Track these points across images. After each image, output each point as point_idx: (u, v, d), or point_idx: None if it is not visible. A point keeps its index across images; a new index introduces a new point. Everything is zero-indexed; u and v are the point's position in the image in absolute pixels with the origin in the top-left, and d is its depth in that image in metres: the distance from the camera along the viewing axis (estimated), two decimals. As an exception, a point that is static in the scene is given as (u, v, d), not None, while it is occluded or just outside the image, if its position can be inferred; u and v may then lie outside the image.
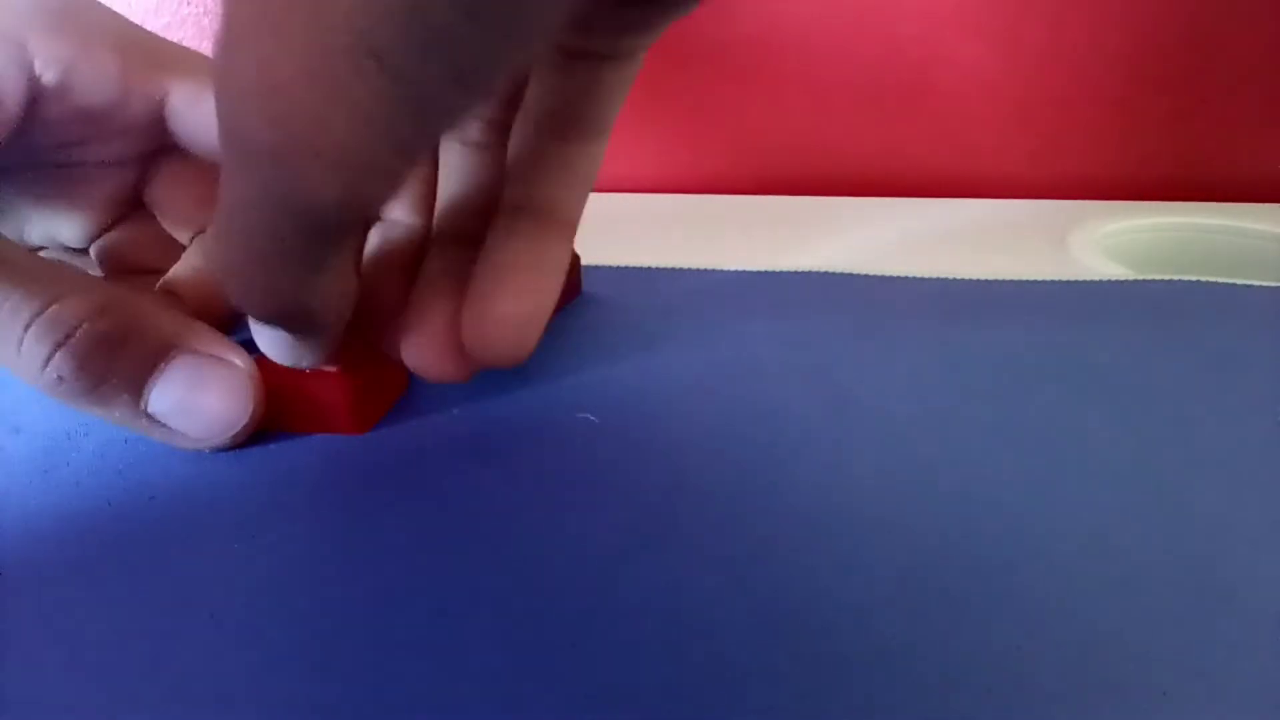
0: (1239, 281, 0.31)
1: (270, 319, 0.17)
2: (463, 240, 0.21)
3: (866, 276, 0.33)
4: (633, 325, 0.28)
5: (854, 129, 0.48)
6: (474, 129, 0.21)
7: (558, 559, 0.18)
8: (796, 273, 0.33)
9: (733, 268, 0.34)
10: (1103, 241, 0.38)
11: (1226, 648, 0.15)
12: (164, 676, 0.15)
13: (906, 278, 0.32)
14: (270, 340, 0.19)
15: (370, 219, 0.16)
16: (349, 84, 0.11)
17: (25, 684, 0.15)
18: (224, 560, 0.18)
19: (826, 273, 0.33)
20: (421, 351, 0.20)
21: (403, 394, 0.24)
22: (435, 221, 0.22)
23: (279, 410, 0.22)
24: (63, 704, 0.15)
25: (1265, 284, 0.31)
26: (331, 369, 0.22)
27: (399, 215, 0.22)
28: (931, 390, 0.24)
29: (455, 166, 0.21)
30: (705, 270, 0.34)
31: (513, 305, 0.19)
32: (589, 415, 0.23)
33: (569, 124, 0.19)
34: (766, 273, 0.33)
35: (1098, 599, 0.16)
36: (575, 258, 0.31)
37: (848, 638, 0.16)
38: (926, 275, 0.33)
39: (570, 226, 0.20)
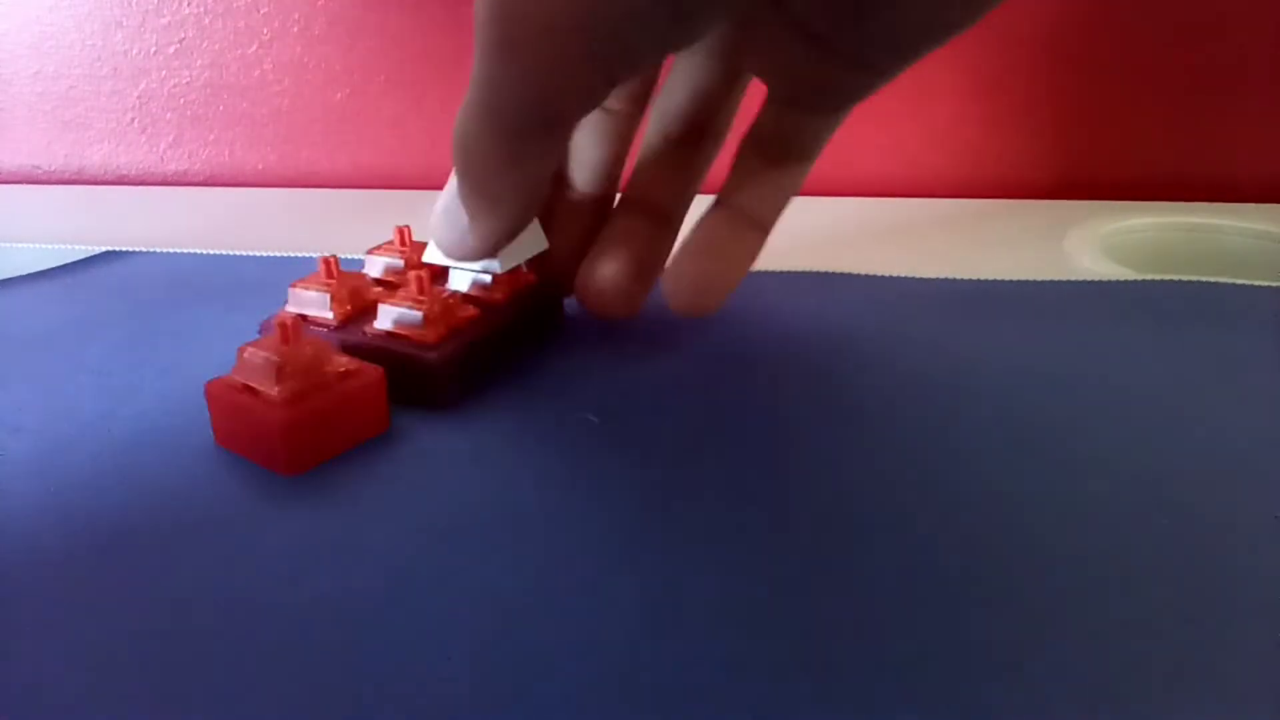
0: (1239, 281, 0.31)
1: (471, 190, 0.22)
2: (647, 209, 0.26)
3: (866, 276, 0.33)
4: (633, 325, 0.28)
5: (854, 129, 0.48)
6: (676, 128, 0.26)
7: (558, 558, 0.18)
8: (796, 273, 0.33)
9: (733, 268, 0.34)
10: (1103, 241, 0.38)
11: (1226, 648, 0.15)
12: (164, 676, 0.15)
13: (906, 278, 0.32)
14: (447, 225, 0.23)
15: (568, 122, 0.21)
16: (589, 30, 0.17)
17: (25, 683, 0.15)
18: (225, 560, 0.18)
19: (826, 273, 0.33)
20: (598, 288, 0.25)
21: (377, 435, 0.22)
22: (624, 189, 0.27)
23: (232, 434, 0.22)
24: (63, 704, 0.15)
25: (1265, 284, 0.31)
26: (274, 396, 0.20)
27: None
28: (931, 390, 0.24)
29: (650, 152, 0.26)
30: (705, 270, 0.34)
31: (710, 267, 0.24)
32: (589, 415, 0.23)
33: (788, 152, 0.24)
34: (766, 273, 0.33)
35: (1098, 598, 0.16)
36: (558, 293, 0.28)
37: (847, 637, 0.16)
38: (926, 275, 0.33)
39: (766, 228, 0.25)
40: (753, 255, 0.25)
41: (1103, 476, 0.20)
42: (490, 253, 0.23)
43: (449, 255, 0.24)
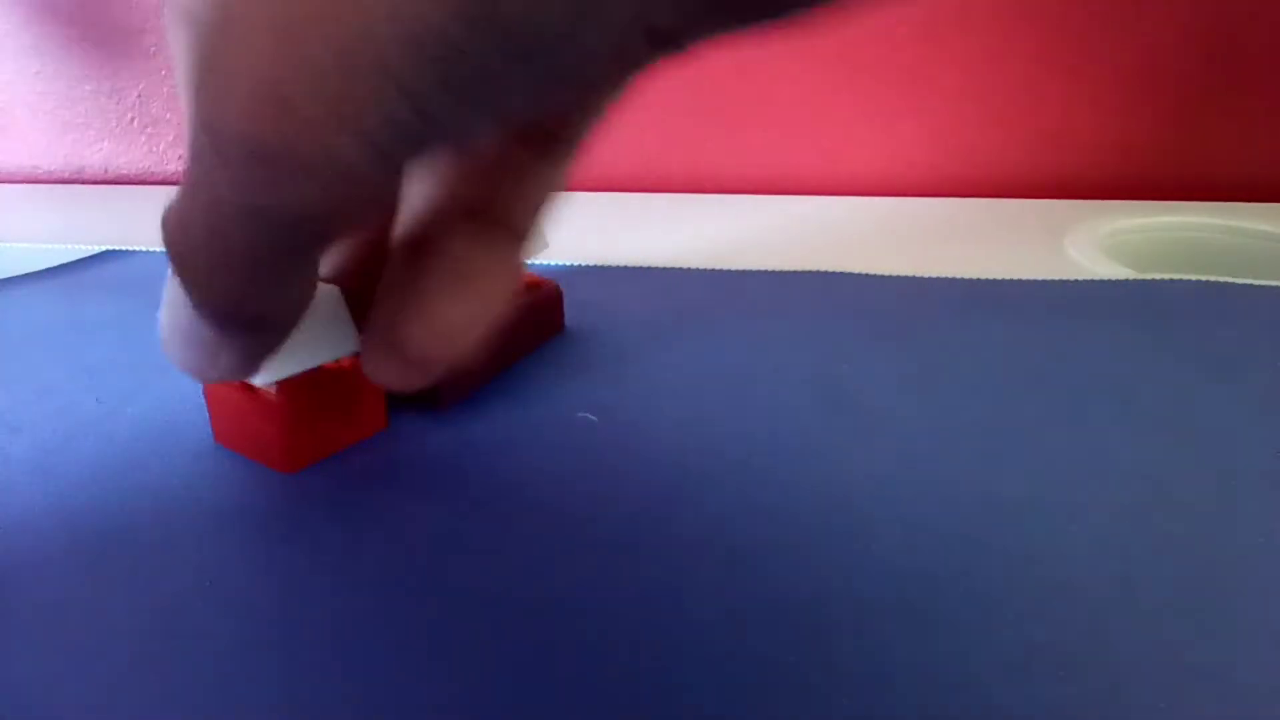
0: (1239, 281, 0.31)
1: (219, 319, 0.15)
2: (423, 248, 0.18)
3: (866, 276, 0.33)
4: (632, 325, 0.28)
5: (854, 129, 0.48)
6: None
7: (557, 556, 0.18)
8: (796, 273, 0.33)
9: (732, 267, 0.34)
10: (1103, 241, 0.38)
11: (1226, 648, 0.15)
12: (163, 676, 0.15)
13: (907, 278, 0.32)
14: (190, 342, 0.17)
15: (345, 233, 0.15)
16: (362, 105, 0.11)
17: (25, 683, 0.15)
18: (224, 559, 0.18)
19: (826, 272, 0.33)
20: (377, 360, 0.18)
21: (378, 432, 0.22)
22: (397, 229, 0.19)
23: (225, 428, 0.22)
24: (63, 703, 0.15)
25: (1265, 284, 0.31)
26: (273, 396, 0.20)
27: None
28: (932, 390, 0.24)
29: (419, 175, 0.19)
30: (705, 270, 0.34)
31: (452, 309, 0.17)
32: (588, 415, 0.23)
33: (542, 138, 0.18)
34: (766, 272, 0.33)
35: (1098, 598, 0.16)
36: (558, 294, 0.28)
37: (847, 636, 0.16)
38: (927, 275, 0.33)
39: (523, 236, 0.18)
40: (513, 275, 0.18)
41: (1102, 476, 0.20)
42: (256, 369, 0.17)
43: (200, 377, 0.17)
